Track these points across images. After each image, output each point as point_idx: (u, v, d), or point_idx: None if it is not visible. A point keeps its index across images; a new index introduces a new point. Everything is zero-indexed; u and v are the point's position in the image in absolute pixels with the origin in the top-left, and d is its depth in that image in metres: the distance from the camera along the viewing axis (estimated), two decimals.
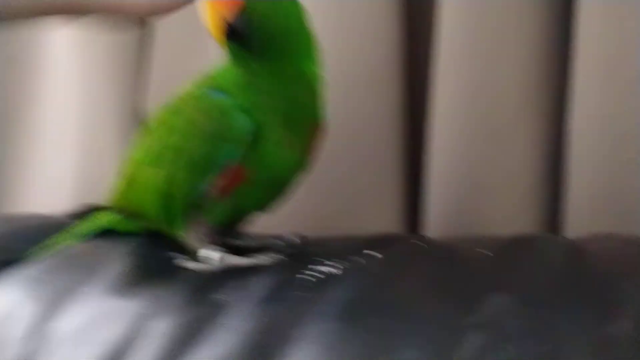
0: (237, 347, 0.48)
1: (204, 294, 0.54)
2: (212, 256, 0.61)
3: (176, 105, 0.63)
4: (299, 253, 0.62)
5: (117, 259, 0.62)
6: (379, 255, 0.59)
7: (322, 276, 0.55)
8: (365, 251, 0.60)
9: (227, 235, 0.65)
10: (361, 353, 0.46)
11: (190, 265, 0.61)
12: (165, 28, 0.88)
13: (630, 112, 0.68)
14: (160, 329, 0.51)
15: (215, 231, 0.63)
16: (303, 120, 0.61)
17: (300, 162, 0.63)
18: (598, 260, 0.54)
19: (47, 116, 0.97)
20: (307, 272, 0.56)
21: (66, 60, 0.93)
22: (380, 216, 0.79)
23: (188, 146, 0.59)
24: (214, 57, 0.82)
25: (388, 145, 0.79)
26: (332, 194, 0.79)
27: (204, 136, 0.59)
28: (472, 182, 0.74)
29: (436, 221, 0.76)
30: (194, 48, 0.87)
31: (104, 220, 0.69)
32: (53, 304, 0.55)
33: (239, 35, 0.55)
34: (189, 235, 0.62)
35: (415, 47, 0.79)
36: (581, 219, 0.69)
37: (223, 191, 0.60)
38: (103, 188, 0.72)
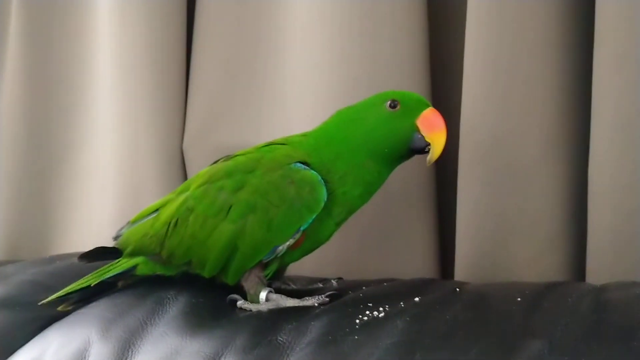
0: None
1: (265, 336, 0.59)
2: (266, 298, 0.66)
3: (249, 165, 0.67)
4: (342, 296, 0.67)
5: (178, 299, 0.67)
6: (417, 299, 0.64)
7: (367, 319, 0.60)
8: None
9: (274, 280, 0.72)
10: None
11: (247, 306, 0.66)
12: (201, 71, 0.93)
13: None
14: None
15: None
16: (356, 207, 0.69)
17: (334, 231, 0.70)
18: (623, 308, 0.59)
19: (90, 160, 1.02)
20: (354, 315, 0.61)
21: (108, 102, 0.98)
22: (412, 262, 0.84)
23: (272, 211, 0.64)
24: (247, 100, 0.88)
25: (419, 196, 0.84)
26: (367, 240, 0.84)
27: (292, 205, 0.64)
28: (497, 230, 0.79)
29: (465, 266, 0.81)
30: (229, 91, 0.92)
31: (134, 263, 0.72)
32: (128, 343, 0.61)
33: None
34: (245, 281, 0.67)
35: (441, 95, 0.85)
36: (603, 263, 0.74)
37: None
38: None
